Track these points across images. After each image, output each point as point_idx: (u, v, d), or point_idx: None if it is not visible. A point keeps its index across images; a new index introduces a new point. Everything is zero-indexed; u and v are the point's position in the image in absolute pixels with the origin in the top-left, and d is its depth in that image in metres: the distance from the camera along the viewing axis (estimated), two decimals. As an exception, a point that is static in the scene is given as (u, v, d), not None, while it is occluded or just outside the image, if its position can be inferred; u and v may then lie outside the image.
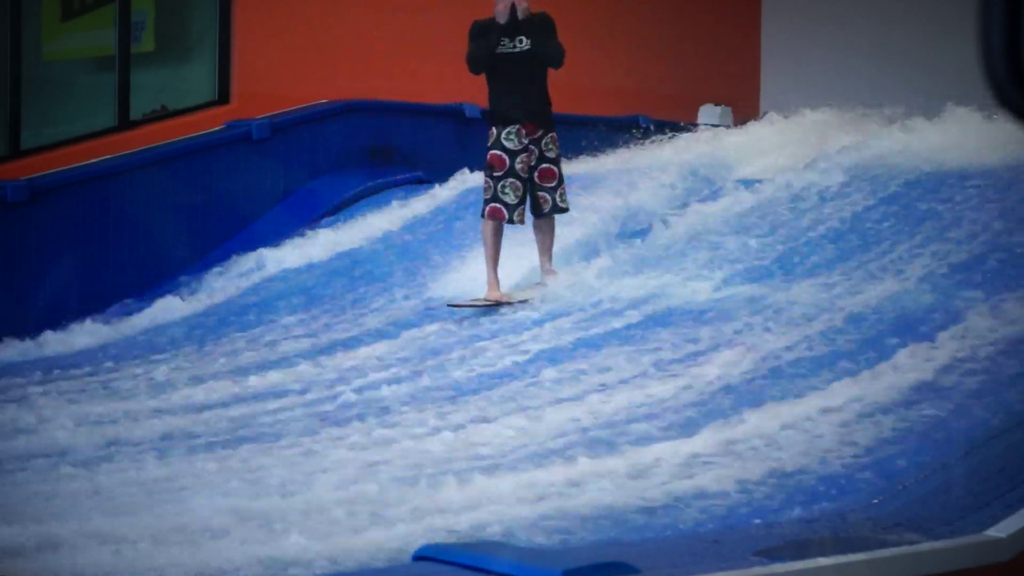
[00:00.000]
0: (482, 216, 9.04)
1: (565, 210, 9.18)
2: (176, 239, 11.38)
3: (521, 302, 8.83)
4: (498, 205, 8.93)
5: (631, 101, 14.68)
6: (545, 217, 9.11)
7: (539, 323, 8.50)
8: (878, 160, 9.50)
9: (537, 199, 9.05)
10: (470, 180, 11.28)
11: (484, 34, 8.96)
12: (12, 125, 11.47)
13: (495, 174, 8.94)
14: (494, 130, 9.02)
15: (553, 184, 9.04)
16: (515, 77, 8.96)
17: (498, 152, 8.95)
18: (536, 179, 9.02)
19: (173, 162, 11.58)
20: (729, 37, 16.12)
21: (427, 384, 7.66)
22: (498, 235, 8.97)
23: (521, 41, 8.91)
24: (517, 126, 8.93)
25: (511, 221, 8.96)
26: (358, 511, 5.18)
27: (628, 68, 15.14)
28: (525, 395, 7.17)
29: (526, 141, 8.95)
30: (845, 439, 5.51)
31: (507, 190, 8.90)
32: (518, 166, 8.89)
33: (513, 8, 8.91)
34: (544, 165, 9.02)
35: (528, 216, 9.14)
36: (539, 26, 8.98)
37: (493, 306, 8.82)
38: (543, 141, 9.04)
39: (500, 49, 8.91)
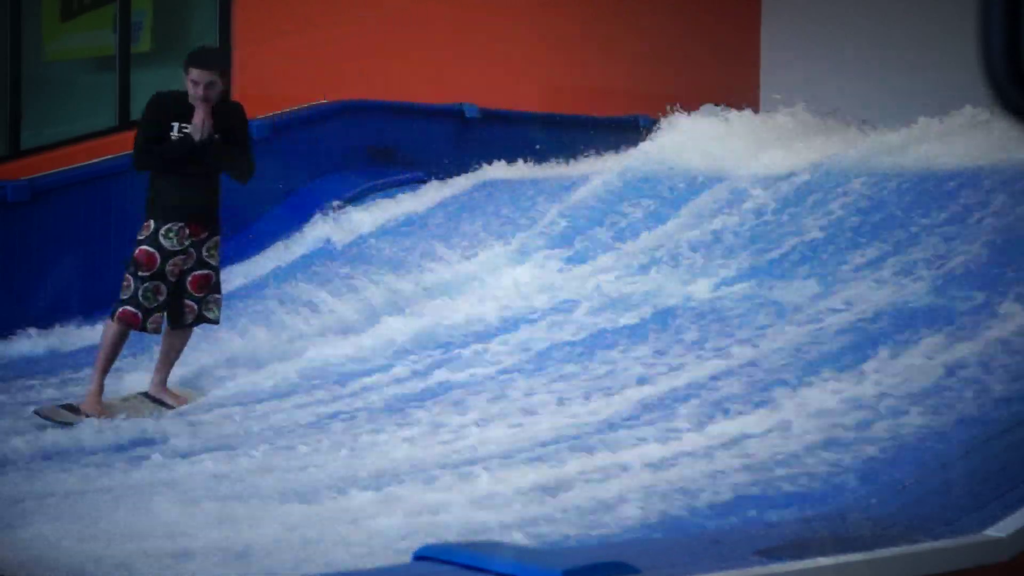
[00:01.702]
0: (111, 317, 7.80)
1: (213, 322, 8.06)
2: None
3: (122, 417, 7.50)
4: (133, 309, 7.69)
5: (631, 101, 14.68)
6: (182, 328, 7.93)
7: (535, 322, 8.50)
8: (867, 162, 9.50)
9: (181, 307, 7.85)
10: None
11: (161, 121, 7.83)
12: (12, 125, 11.47)
13: (140, 273, 7.69)
14: (151, 223, 7.74)
15: (204, 293, 7.90)
16: (189, 169, 7.76)
17: (150, 250, 7.69)
18: (188, 285, 7.83)
19: (173, 162, 11.57)
20: (729, 37, 16.11)
21: (424, 385, 7.66)
22: (121, 342, 7.78)
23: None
24: (181, 224, 7.73)
25: (143, 329, 7.78)
26: (359, 511, 5.18)
27: (628, 68, 15.13)
28: (521, 394, 7.17)
29: (187, 243, 7.77)
30: (845, 439, 5.51)
31: (149, 294, 7.70)
32: (168, 268, 7.70)
33: (211, 94, 7.79)
34: (201, 271, 7.86)
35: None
36: (231, 117, 7.92)
37: (76, 420, 7.39)
38: (206, 245, 7.89)
39: (177, 137, 7.75)
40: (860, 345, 6.87)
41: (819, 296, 7.82)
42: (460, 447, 6.27)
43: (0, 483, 6.06)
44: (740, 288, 8.37)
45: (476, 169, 12.00)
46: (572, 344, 8.00)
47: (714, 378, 6.83)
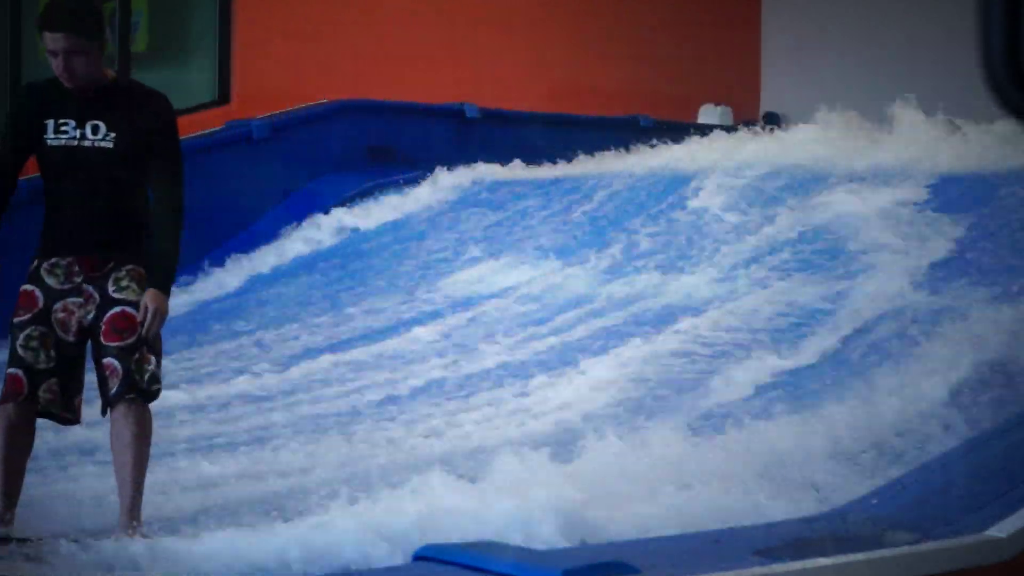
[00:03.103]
0: None
1: (152, 395, 5.11)
2: (176, 239, 11.36)
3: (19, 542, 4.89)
4: (15, 370, 5.08)
5: (631, 101, 14.68)
6: (118, 407, 5.06)
7: (539, 322, 8.51)
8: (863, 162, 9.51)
9: (101, 370, 5.12)
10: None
11: (24, 120, 5.39)
12: (12, 125, 11.46)
13: (16, 319, 5.20)
14: (36, 260, 5.45)
15: (129, 343, 5.07)
16: (78, 185, 5.36)
17: (30, 287, 5.30)
18: (101, 336, 5.11)
19: (173, 162, 11.56)
20: (729, 37, 16.11)
21: (420, 384, 7.67)
22: (13, 433, 5.06)
23: (97, 130, 5.26)
24: (70, 258, 5.30)
25: (34, 399, 5.06)
26: (358, 511, 5.18)
27: (628, 68, 15.13)
28: (517, 393, 7.17)
29: (79, 280, 5.24)
30: (844, 438, 5.51)
31: (34, 343, 5.12)
32: (58, 315, 5.17)
33: (78, 67, 5.12)
34: (115, 309, 5.13)
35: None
36: (143, 112, 5.37)
37: None
38: (112, 277, 5.21)
39: (56, 139, 5.33)
40: (860, 344, 6.87)
41: (817, 296, 7.81)
42: (457, 447, 6.27)
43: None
44: (738, 287, 8.36)
45: (476, 169, 11.99)
46: (569, 342, 8.00)
47: (712, 377, 6.83)
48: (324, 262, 11.06)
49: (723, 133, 12.39)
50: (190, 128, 11.95)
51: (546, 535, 4.58)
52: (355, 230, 11.46)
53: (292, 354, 8.84)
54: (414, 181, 12.11)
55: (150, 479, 5.08)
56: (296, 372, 8.32)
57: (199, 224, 11.56)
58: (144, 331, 4.99)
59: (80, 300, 5.17)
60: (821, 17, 15.76)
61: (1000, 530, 4.12)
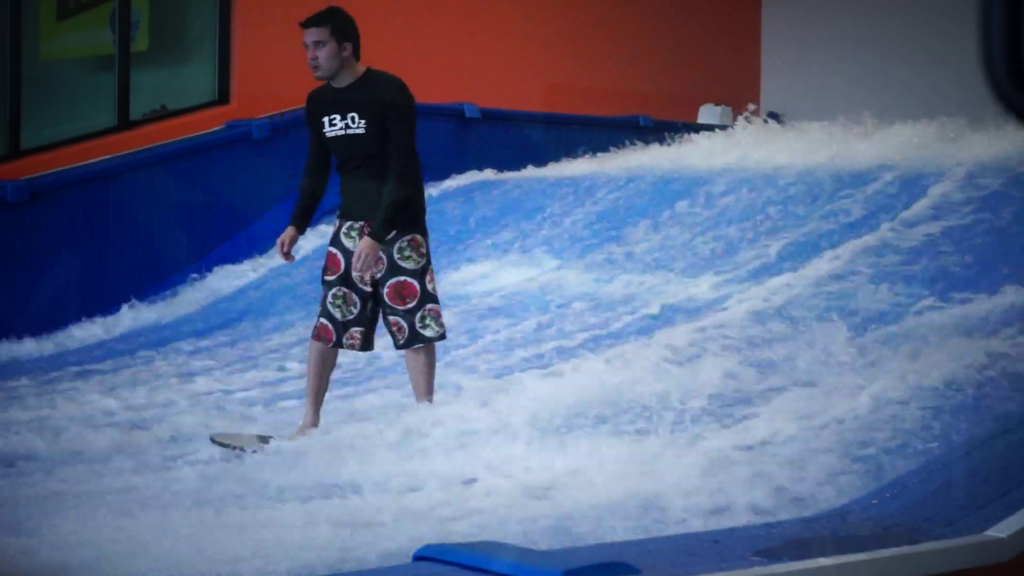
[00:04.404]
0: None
1: (433, 339, 6.54)
2: (176, 239, 11.39)
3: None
4: (327, 323, 6.60)
5: (631, 101, 14.69)
6: (408, 351, 6.58)
7: (539, 322, 8.51)
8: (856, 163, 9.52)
9: (389, 325, 6.55)
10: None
11: (313, 120, 6.68)
12: (12, 125, 11.47)
13: (326, 277, 6.67)
14: (337, 222, 6.81)
15: (410, 307, 6.49)
16: (351, 165, 6.69)
17: (333, 250, 6.68)
18: (387, 299, 6.52)
19: (173, 162, 11.59)
20: (729, 37, 16.12)
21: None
22: (323, 363, 6.64)
23: (354, 120, 6.53)
24: (361, 222, 6.58)
25: (340, 345, 6.62)
26: (358, 511, 5.18)
27: (628, 68, 15.14)
28: (517, 393, 7.17)
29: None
30: (844, 438, 5.51)
31: (339, 302, 6.58)
32: (356, 275, 6.49)
33: (320, 59, 6.47)
34: (398, 278, 6.50)
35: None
36: (374, 98, 6.52)
37: (256, 447, 6.38)
38: (397, 245, 6.50)
39: (331, 131, 6.60)
40: (860, 344, 6.87)
41: (816, 295, 7.82)
42: (456, 447, 6.26)
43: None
44: (739, 287, 8.36)
45: (476, 168, 11.99)
46: (569, 342, 8.00)
47: (712, 376, 6.83)
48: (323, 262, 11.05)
49: (723, 133, 12.40)
50: (190, 128, 11.97)
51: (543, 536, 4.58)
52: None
53: (295, 353, 8.85)
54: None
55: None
56: (300, 368, 8.33)
57: (199, 225, 11.65)
58: (356, 268, 6.33)
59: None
60: (821, 17, 15.77)
61: (1000, 530, 4.12)
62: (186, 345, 9.61)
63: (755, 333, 7.43)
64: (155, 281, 11.12)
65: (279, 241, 6.67)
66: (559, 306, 8.80)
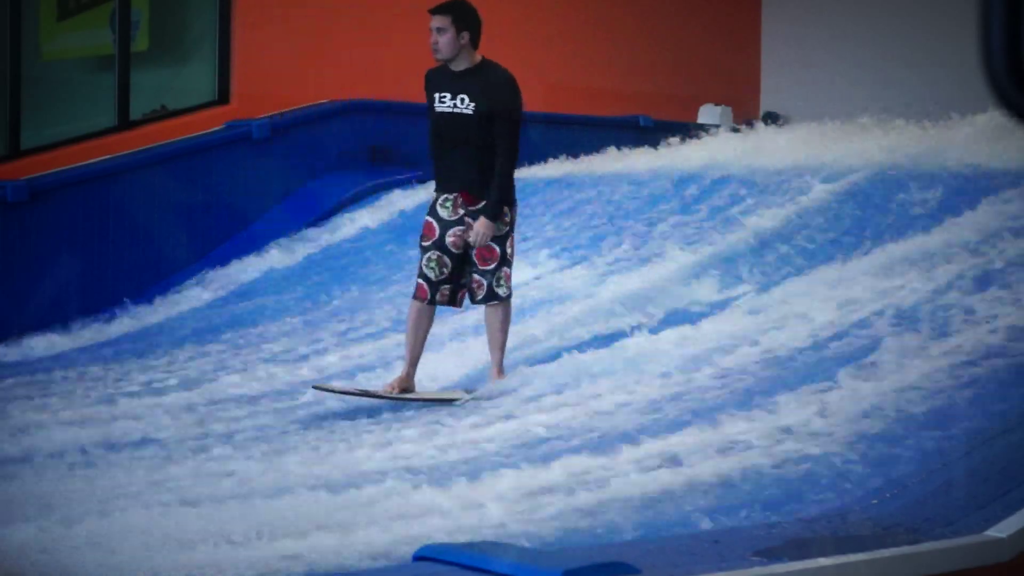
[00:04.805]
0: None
1: (507, 298, 7.51)
2: (176, 239, 11.39)
3: (439, 401, 7.37)
4: (421, 282, 7.53)
5: (631, 101, 14.69)
6: (486, 308, 7.55)
7: (538, 321, 8.50)
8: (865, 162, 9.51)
9: (471, 282, 7.53)
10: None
11: (427, 89, 7.51)
12: (12, 125, 11.47)
13: (423, 243, 7.56)
14: (435, 195, 7.63)
15: (491, 268, 7.44)
16: (454, 140, 7.43)
17: (429, 219, 7.55)
18: (475, 259, 7.49)
19: (173, 162, 11.59)
20: (729, 37, 16.12)
21: (419, 383, 7.66)
22: (421, 320, 7.50)
23: (463, 101, 7.36)
24: (455, 194, 7.47)
25: (433, 302, 7.51)
26: (357, 511, 5.18)
27: (628, 68, 15.14)
28: (518, 394, 7.17)
29: (462, 212, 7.45)
30: (845, 438, 5.51)
31: (433, 264, 7.48)
32: (449, 239, 7.44)
33: (440, 44, 7.38)
34: (485, 243, 7.44)
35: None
36: (484, 84, 7.38)
37: (367, 397, 7.42)
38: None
39: (440, 106, 7.40)
40: (860, 344, 6.87)
41: (816, 295, 7.82)
42: (456, 447, 6.27)
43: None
44: (741, 288, 8.35)
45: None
46: (569, 343, 8.00)
47: (712, 376, 6.83)
48: (323, 262, 11.06)
49: (723, 133, 12.40)
50: (190, 128, 11.97)
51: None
52: (354, 230, 11.46)
53: (296, 353, 8.84)
54: (414, 181, 12.12)
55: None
56: (305, 370, 8.33)
57: (199, 224, 11.66)
58: (474, 243, 7.34)
59: (463, 228, 7.42)
60: (821, 17, 15.77)
61: (1000, 530, 4.13)
62: (186, 345, 9.60)
63: (761, 333, 7.42)
64: (155, 281, 11.12)
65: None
66: (559, 306, 8.80)
